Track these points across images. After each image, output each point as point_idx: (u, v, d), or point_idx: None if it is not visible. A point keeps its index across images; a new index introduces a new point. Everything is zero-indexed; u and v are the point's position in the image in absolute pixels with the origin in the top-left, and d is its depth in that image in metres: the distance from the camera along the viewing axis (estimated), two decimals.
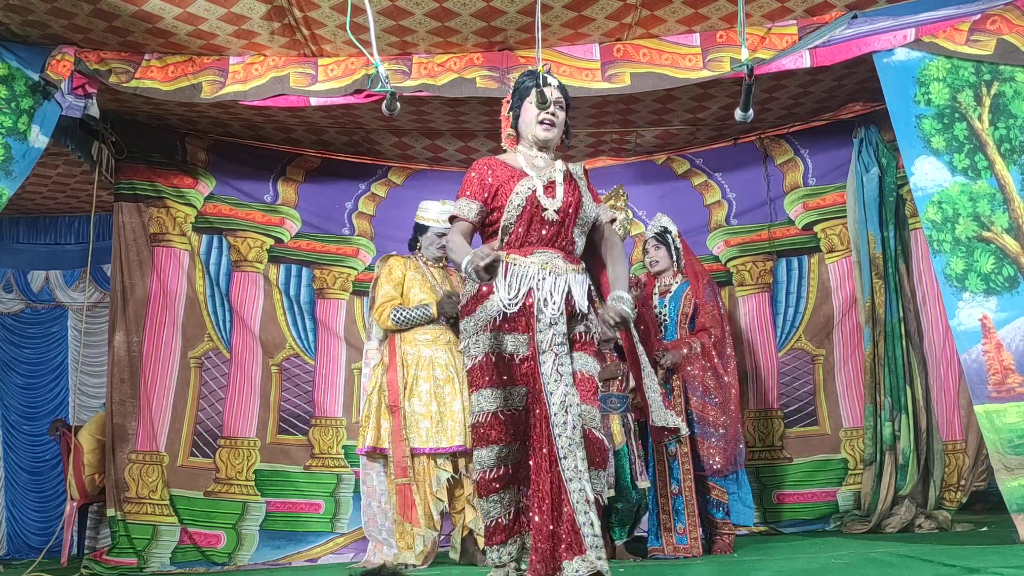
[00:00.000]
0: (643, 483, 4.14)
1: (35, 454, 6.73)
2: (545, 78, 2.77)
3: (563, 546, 2.45)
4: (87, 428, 5.66)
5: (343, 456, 5.26)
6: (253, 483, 5.12)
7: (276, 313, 5.37)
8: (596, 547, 2.43)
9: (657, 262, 4.58)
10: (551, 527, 2.49)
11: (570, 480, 2.48)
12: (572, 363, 2.65)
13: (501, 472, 2.62)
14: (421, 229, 4.41)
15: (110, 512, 4.79)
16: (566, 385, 2.57)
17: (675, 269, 4.57)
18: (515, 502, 2.65)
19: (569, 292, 2.68)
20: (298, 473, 5.21)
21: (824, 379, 5.32)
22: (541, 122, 2.78)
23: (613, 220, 2.92)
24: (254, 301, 5.34)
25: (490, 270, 2.43)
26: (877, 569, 3.00)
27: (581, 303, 2.70)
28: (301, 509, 5.16)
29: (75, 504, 5.47)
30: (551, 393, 2.56)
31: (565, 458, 2.50)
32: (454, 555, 4.26)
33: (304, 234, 5.53)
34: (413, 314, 4.19)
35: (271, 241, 5.44)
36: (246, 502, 5.07)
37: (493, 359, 2.64)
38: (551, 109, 2.78)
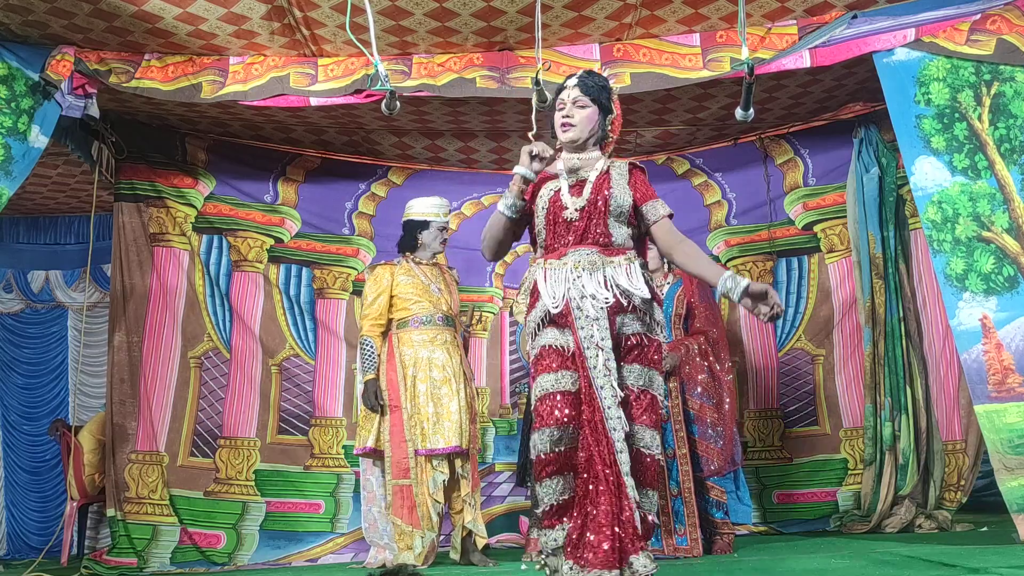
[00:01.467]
0: None
1: (35, 454, 6.72)
2: (561, 83, 2.79)
3: (628, 540, 2.47)
4: (87, 428, 5.66)
5: (343, 456, 5.26)
6: (253, 483, 5.12)
7: (276, 313, 5.37)
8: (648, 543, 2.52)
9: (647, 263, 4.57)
10: (614, 520, 2.49)
11: (627, 475, 2.50)
12: (624, 376, 2.61)
13: (557, 454, 2.59)
14: (421, 225, 4.31)
15: (110, 512, 4.79)
16: (615, 381, 2.57)
17: (666, 270, 4.54)
18: (569, 488, 2.62)
19: (615, 283, 2.63)
20: (298, 473, 5.21)
21: (824, 379, 5.32)
22: (562, 125, 2.77)
23: (671, 215, 2.76)
24: (254, 301, 5.34)
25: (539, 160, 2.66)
26: (877, 569, 3.00)
27: (633, 290, 2.62)
28: (301, 509, 5.16)
29: (75, 504, 5.46)
30: (601, 387, 2.55)
31: (621, 452, 2.51)
32: (454, 555, 4.25)
33: (304, 234, 5.53)
34: (366, 362, 4.23)
35: (271, 241, 5.44)
36: (246, 502, 5.07)
37: (549, 348, 2.66)
38: (567, 110, 2.75)
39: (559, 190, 2.73)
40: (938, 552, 3.46)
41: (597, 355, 2.57)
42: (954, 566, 2.89)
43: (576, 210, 2.69)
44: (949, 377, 4.81)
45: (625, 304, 2.63)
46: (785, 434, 5.35)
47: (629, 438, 2.54)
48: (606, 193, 2.71)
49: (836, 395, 5.28)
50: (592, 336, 2.59)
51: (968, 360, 3.78)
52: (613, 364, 2.58)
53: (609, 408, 2.53)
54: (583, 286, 2.62)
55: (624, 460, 2.50)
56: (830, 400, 5.29)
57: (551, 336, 2.66)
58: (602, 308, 2.61)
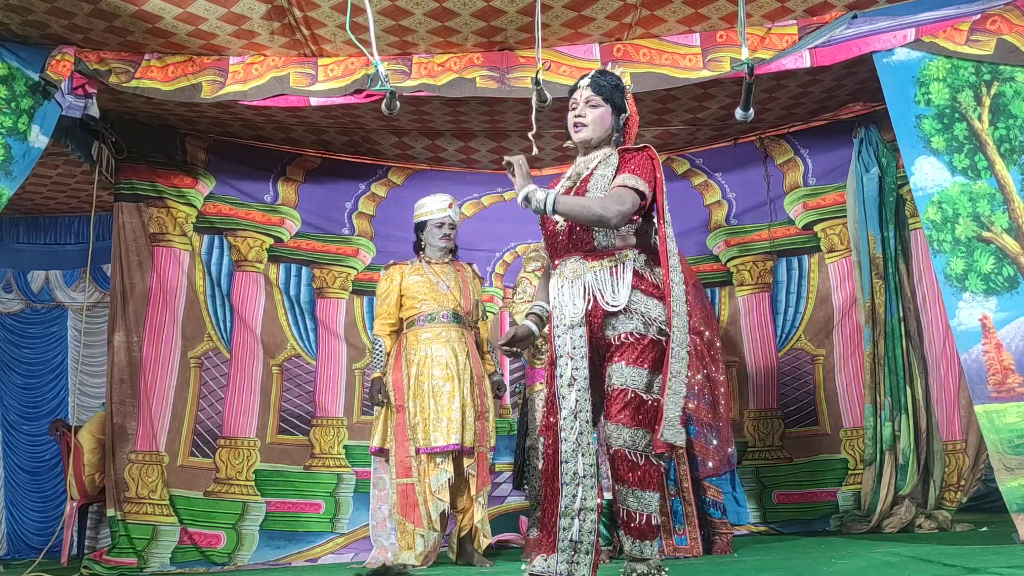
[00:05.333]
0: None
1: (35, 454, 6.72)
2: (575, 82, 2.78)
3: (545, 541, 2.54)
4: (87, 428, 5.66)
5: (343, 456, 5.27)
6: (253, 483, 5.12)
7: (277, 313, 5.38)
8: (564, 551, 2.49)
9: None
10: (549, 522, 2.56)
11: (565, 484, 2.51)
12: (606, 376, 2.59)
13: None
14: (420, 227, 4.37)
15: (110, 512, 4.79)
16: (579, 391, 2.56)
17: None
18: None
19: (596, 291, 2.59)
20: (298, 473, 5.21)
21: (824, 379, 5.32)
22: (574, 125, 2.72)
23: (634, 189, 2.54)
24: (255, 301, 5.35)
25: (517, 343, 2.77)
26: (877, 569, 3.00)
27: (608, 299, 2.57)
28: (301, 509, 5.16)
29: (75, 504, 5.47)
30: (563, 398, 2.57)
31: (565, 462, 2.53)
32: (451, 555, 4.25)
33: (304, 234, 5.53)
34: (373, 360, 4.32)
35: (271, 241, 5.44)
36: (246, 502, 5.07)
37: (547, 366, 2.73)
38: (580, 109, 2.70)
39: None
40: (938, 552, 3.45)
41: (566, 364, 2.59)
42: (954, 566, 2.89)
43: (564, 220, 2.64)
44: (949, 377, 4.81)
45: (611, 308, 2.58)
46: (785, 434, 5.35)
47: (607, 439, 2.56)
48: (581, 193, 2.64)
49: (836, 395, 5.28)
50: (564, 345, 2.61)
51: (968, 360, 3.78)
52: (582, 373, 2.57)
53: (564, 418, 2.55)
54: (565, 296, 2.64)
55: (567, 470, 2.51)
56: (830, 400, 5.29)
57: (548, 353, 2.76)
58: (579, 316, 2.60)
